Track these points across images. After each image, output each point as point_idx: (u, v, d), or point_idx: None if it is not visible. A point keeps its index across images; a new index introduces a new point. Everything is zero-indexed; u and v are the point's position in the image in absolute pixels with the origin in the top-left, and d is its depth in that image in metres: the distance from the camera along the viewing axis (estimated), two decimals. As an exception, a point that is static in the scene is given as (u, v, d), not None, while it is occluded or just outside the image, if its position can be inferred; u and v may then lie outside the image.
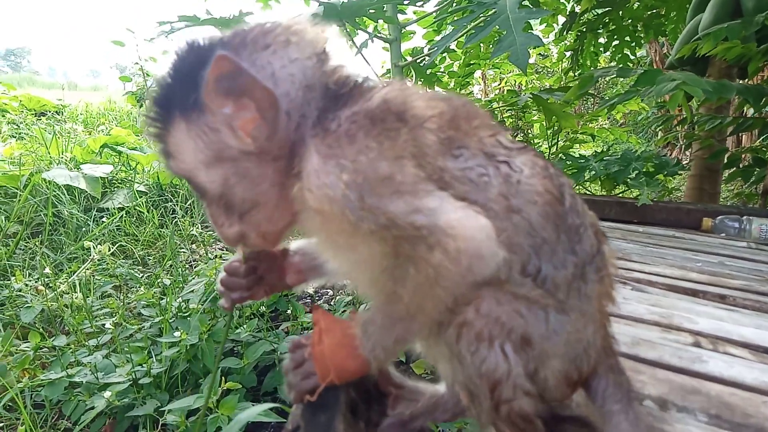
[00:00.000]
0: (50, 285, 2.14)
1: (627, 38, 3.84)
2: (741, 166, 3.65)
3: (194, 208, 3.43)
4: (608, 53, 4.09)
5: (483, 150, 0.63)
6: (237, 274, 0.79)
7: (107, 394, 1.47)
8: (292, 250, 0.81)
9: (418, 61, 3.18)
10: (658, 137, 6.43)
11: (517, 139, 3.48)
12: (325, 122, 0.60)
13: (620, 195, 3.69)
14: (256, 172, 0.64)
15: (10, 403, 1.55)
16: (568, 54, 4.37)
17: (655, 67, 5.70)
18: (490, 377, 0.58)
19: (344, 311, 2.05)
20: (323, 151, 0.58)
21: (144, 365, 1.62)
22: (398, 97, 0.62)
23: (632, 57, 4.12)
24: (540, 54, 6.53)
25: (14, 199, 3.03)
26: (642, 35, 3.92)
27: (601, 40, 4.04)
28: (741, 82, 3.70)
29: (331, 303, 2.31)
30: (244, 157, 0.62)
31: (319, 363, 0.65)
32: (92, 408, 1.46)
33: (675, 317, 1.25)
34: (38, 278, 2.24)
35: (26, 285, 2.11)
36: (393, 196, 0.56)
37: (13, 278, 2.14)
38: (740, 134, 4.95)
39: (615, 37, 3.87)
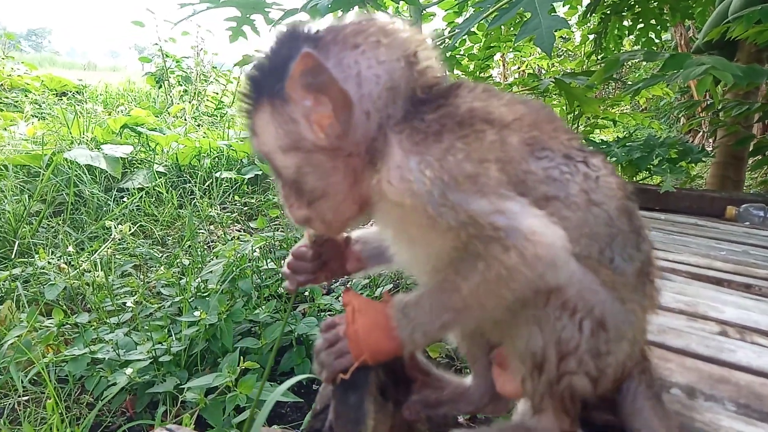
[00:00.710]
0: (72, 263, 2.18)
1: (652, 21, 3.73)
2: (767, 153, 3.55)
3: (212, 189, 3.45)
4: (633, 36, 3.98)
5: (563, 151, 0.66)
6: (304, 259, 0.82)
7: (128, 370, 1.50)
8: (354, 239, 0.84)
9: (440, 43, 3.14)
10: (681, 123, 6.29)
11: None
12: (411, 121, 0.62)
13: (642, 182, 3.63)
14: (329, 165, 0.65)
15: (34, 378, 1.59)
16: (591, 37, 4.27)
17: (680, 50, 5.55)
18: (564, 346, 0.61)
19: (361, 293, 2.06)
20: (407, 147, 0.60)
21: (164, 343, 1.65)
22: (484, 100, 0.64)
23: (657, 41, 4.01)
24: (562, 37, 6.40)
25: (37, 179, 3.08)
26: (668, 18, 3.81)
27: (626, 23, 3.93)
28: (772, 66, 3.59)
29: (347, 285, 2.31)
30: (319, 150, 0.64)
31: (354, 342, 0.65)
32: (114, 384, 1.49)
33: (700, 306, 1.23)
34: (61, 256, 2.28)
35: (49, 263, 2.15)
36: (476, 194, 0.57)
37: (36, 256, 2.18)
38: (765, 121, 4.82)
39: (640, 20, 3.76)
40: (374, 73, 0.63)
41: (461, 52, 4.03)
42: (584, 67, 4.29)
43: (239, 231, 3.00)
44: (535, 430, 0.67)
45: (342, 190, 0.66)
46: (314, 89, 0.60)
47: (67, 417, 1.49)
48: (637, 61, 2.96)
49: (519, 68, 6.41)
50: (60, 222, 2.80)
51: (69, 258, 2.23)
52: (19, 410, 1.54)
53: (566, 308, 0.60)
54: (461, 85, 0.67)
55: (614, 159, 3.14)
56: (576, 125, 4.14)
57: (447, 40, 3.13)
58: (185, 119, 5.17)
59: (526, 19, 1.92)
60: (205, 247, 2.75)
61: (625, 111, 6.23)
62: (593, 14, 3.93)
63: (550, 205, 0.61)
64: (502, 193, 0.58)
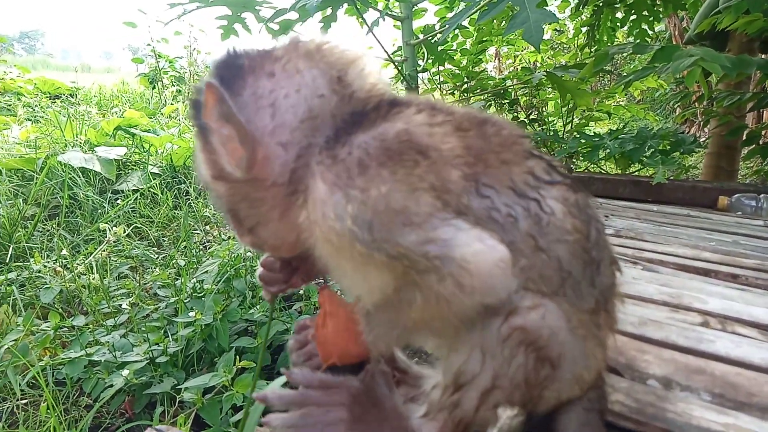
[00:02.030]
0: (68, 266, 2.19)
1: (645, 13, 3.73)
2: (761, 143, 3.56)
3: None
4: (626, 28, 3.98)
5: (512, 188, 0.61)
6: (273, 269, 0.80)
7: (125, 372, 1.52)
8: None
9: (430, 38, 3.14)
10: (676, 114, 6.30)
11: (530, 117, 3.45)
12: (335, 148, 0.58)
13: (635, 174, 3.65)
14: (255, 195, 0.63)
15: (32, 381, 1.61)
16: (584, 30, 4.27)
17: (674, 42, 5.56)
18: (503, 380, 0.58)
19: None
20: (330, 180, 0.56)
21: (160, 344, 1.66)
22: (423, 126, 0.59)
23: (651, 32, 4.01)
24: (555, 30, 6.39)
25: (31, 182, 3.09)
26: (661, 9, 3.81)
27: (619, 15, 3.93)
28: (763, 56, 3.59)
29: (324, 284, 2.32)
30: (240, 181, 0.62)
31: (322, 346, 0.66)
32: (111, 385, 1.51)
33: (684, 297, 1.25)
34: (56, 259, 2.29)
35: (45, 266, 2.16)
36: (405, 228, 0.54)
37: (32, 260, 2.19)
38: (761, 110, 4.83)
39: (633, 11, 3.76)
40: (290, 104, 0.60)
41: (453, 47, 4.03)
42: (578, 59, 4.29)
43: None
44: (418, 430, 0.65)
45: (273, 219, 0.64)
46: (225, 120, 0.58)
47: (65, 419, 1.51)
48: (629, 53, 2.96)
49: (513, 62, 6.39)
50: (55, 225, 2.81)
51: (64, 261, 2.24)
52: (18, 413, 1.56)
53: (525, 346, 0.57)
54: (402, 104, 0.63)
55: (607, 151, 3.15)
56: (570, 118, 4.15)
57: (438, 35, 3.13)
58: (179, 120, 5.17)
59: (515, 12, 1.92)
60: (201, 247, 2.76)
61: (620, 103, 6.23)
62: (586, 6, 3.93)
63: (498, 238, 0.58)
64: (435, 219, 0.54)
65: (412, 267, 0.54)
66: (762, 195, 2.55)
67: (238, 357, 1.56)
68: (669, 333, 1.03)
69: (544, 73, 3.28)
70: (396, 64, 3.02)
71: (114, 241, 2.50)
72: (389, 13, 2.95)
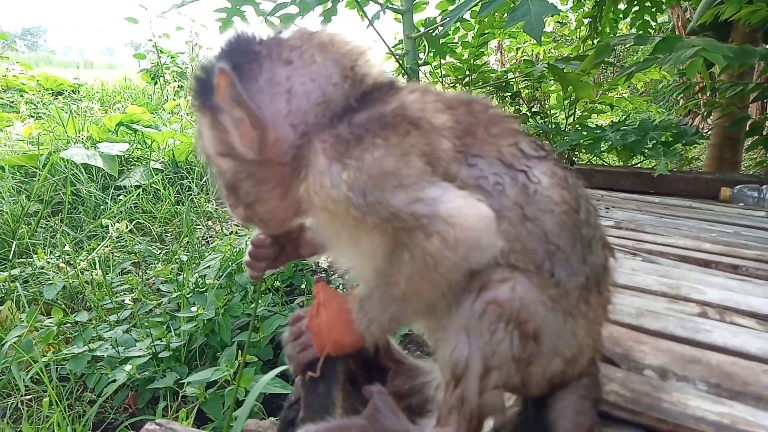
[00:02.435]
0: (71, 262, 2.21)
1: (647, 3, 3.71)
2: (764, 133, 3.54)
3: (209, 185, 3.47)
4: (628, 20, 3.96)
5: (500, 159, 0.63)
6: (264, 246, 0.82)
7: (128, 367, 1.53)
8: (307, 226, 0.83)
9: (431, 31, 3.13)
10: (679, 105, 6.26)
11: (533, 109, 3.43)
12: (337, 128, 0.61)
13: (637, 165, 3.63)
14: (260, 174, 0.66)
15: (36, 376, 1.62)
16: (586, 21, 4.24)
17: (677, 33, 5.51)
18: (494, 359, 0.59)
19: (358, 285, 2.07)
20: (329, 153, 0.59)
21: (163, 339, 1.67)
22: (416, 103, 0.63)
23: (653, 23, 3.98)
24: (558, 22, 6.35)
25: (34, 179, 3.10)
26: (663, 0, 3.79)
27: (621, 6, 3.91)
28: (766, 46, 3.56)
29: (345, 277, 2.33)
30: (248, 160, 0.65)
31: (316, 336, 0.66)
32: (114, 381, 1.52)
33: (683, 288, 1.25)
34: (59, 256, 2.30)
35: (48, 262, 2.18)
36: (395, 189, 0.57)
37: (35, 256, 2.20)
38: (764, 101, 4.79)
39: (635, 2, 3.74)
40: (305, 90, 0.63)
41: (455, 40, 4.01)
42: (580, 51, 4.27)
43: (237, 226, 3.02)
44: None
45: (275, 196, 0.67)
46: (238, 103, 0.61)
47: (69, 414, 1.52)
48: (631, 45, 2.94)
49: (516, 55, 6.36)
50: (58, 221, 2.83)
51: (67, 257, 2.25)
52: (22, 409, 1.57)
53: (503, 320, 0.58)
54: (401, 88, 0.67)
55: (608, 143, 3.14)
56: (572, 110, 4.13)
57: (439, 28, 3.12)
58: (181, 115, 5.17)
59: (516, 5, 1.92)
60: (203, 242, 2.77)
61: (623, 95, 6.20)
62: (588, -2, 3.91)
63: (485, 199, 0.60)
64: (423, 180, 0.58)
65: (402, 227, 0.57)
66: (764, 186, 2.54)
67: (240, 351, 1.57)
68: (666, 323, 1.03)
69: (546, 66, 3.26)
70: (397, 57, 3.01)
71: (117, 237, 2.51)
72: (390, 6, 2.94)
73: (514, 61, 6.33)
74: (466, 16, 3.58)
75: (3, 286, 2.09)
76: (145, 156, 3.72)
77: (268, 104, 0.62)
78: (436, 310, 0.62)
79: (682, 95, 5.04)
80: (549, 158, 0.66)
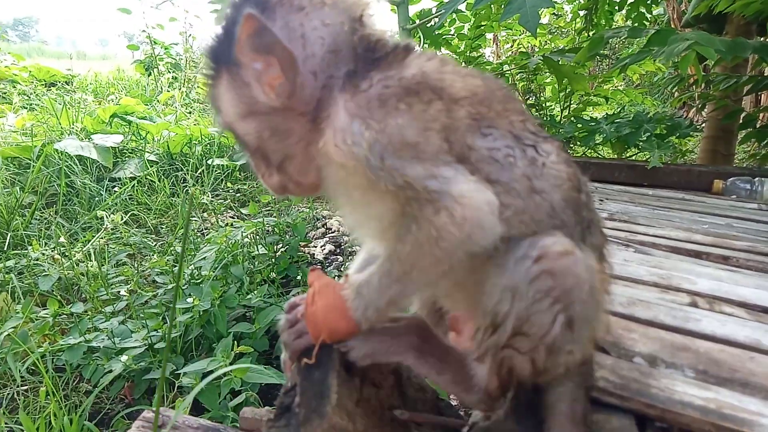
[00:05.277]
0: (66, 254, 2.20)
1: (642, -5, 3.71)
2: (758, 126, 3.56)
3: (204, 176, 3.46)
4: (624, 12, 3.96)
5: (512, 132, 0.66)
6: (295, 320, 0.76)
7: (124, 358, 1.54)
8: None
9: (427, 23, 3.12)
10: (674, 98, 6.27)
11: (528, 101, 3.44)
12: (356, 82, 0.63)
13: (631, 158, 3.65)
14: (285, 126, 0.67)
15: (32, 367, 1.63)
16: (582, 13, 4.23)
17: (672, 25, 5.51)
18: (522, 324, 0.61)
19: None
20: (351, 110, 0.61)
21: (159, 330, 1.68)
22: (436, 71, 0.65)
23: (649, 15, 3.98)
24: (554, 14, 6.33)
25: (28, 170, 3.09)
26: (658, -8, 3.79)
27: (616, -1, 3.91)
28: (761, 39, 3.57)
29: (341, 269, 2.34)
30: (273, 112, 0.66)
31: (311, 323, 0.68)
32: (110, 371, 1.53)
33: (674, 278, 1.27)
34: (54, 247, 2.30)
35: (43, 254, 2.18)
36: (413, 161, 0.59)
37: (30, 248, 2.20)
38: (758, 94, 4.81)
39: (630, -6, 3.74)
40: (319, 35, 0.65)
41: (451, 32, 4.00)
42: (575, 43, 4.27)
43: (232, 217, 3.02)
44: (473, 375, 0.70)
45: (301, 150, 0.69)
46: (262, 51, 0.63)
47: (65, 405, 1.53)
48: (625, 37, 2.95)
49: (511, 47, 6.35)
50: (53, 213, 2.82)
51: (63, 249, 2.25)
52: (18, 399, 1.58)
53: (549, 294, 0.61)
54: (411, 49, 0.69)
55: (603, 135, 3.16)
56: (567, 103, 4.14)
57: (435, 20, 3.11)
58: (175, 107, 5.15)
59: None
60: (199, 234, 2.77)
61: (618, 87, 6.20)
62: (583, -10, 3.90)
63: (491, 188, 0.62)
64: (440, 159, 0.60)
65: (413, 197, 0.60)
66: (757, 178, 2.56)
67: (236, 342, 1.58)
68: (657, 312, 1.04)
69: (541, 58, 3.27)
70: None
71: (112, 229, 2.51)
72: (385, -4, 2.92)
73: (510, 53, 6.32)
74: (462, 7, 3.57)
75: (-2, 277, 2.09)
76: (140, 148, 3.70)
77: (289, 49, 0.64)
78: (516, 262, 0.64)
79: (676, 88, 5.05)
80: (553, 140, 0.70)
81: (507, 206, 0.62)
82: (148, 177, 3.30)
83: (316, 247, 2.65)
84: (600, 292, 0.65)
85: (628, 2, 3.82)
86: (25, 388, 1.62)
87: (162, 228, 2.89)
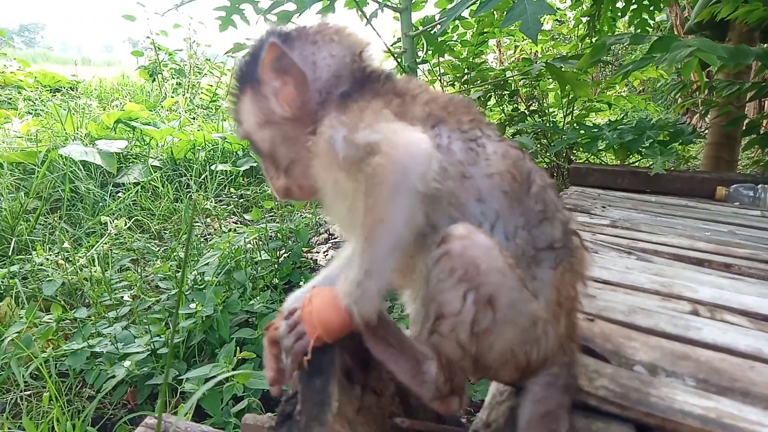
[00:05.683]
0: (70, 259, 2.22)
1: (645, 2, 3.71)
2: (761, 132, 3.55)
3: (208, 182, 3.48)
4: (626, 18, 3.96)
5: (459, 128, 0.75)
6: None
7: (127, 363, 1.54)
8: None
9: (430, 30, 3.14)
10: (677, 104, 6.27)
11: (531, 108, 3.44)
12: (347, 100, 0.77)
13: (634, 164, 3.65)
14: (292, 134, 0.82)
15: (36, 372, 1.63)
16: (584, 20, 4.24)
17: (675, 31, 5.52)
18: (440, 307, 0.66)
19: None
20: (334, 116, 0.75)
21: (162, 336, 1.69)
22: (405, 87, 0.80)
23: (652, 22, 3.99)
24: (556, 20, 6.35)
25: (32, 176, 3.11)
26: (661, -1, 3.79)
27: (619, 4, 3.91)
28: (764, 46, 3.57)
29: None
30: (284, 122, 0.82)
31: (308, 323, 0.70)
32: (113, 377, 1.54)
33: (676, 286, 1.27)
34: (58, 252, 2.32)
35: (47, 259, 2.19)
36: (365, 129, 0.70)
37: (34, 253, 2.21)
38: (761, 100, 4.81)
39: (633, 1, 3.75)
40: (326, 63, 0.82)
41: (454, 38, 4.01)
42: (578, 50, 4.27)
43: (235, 223, 3.03)
44: (426, 371, 0.73)
45: (303, 156, 0.81)
46: (280, 72, 0.79)
47: (68, 410, 1.53)
48: (625, 44, 2.95)
49: (514, 53, 6.36)
50: (56, 218, 2.84)
51: (66, 254, 2.27)
52: (22, 404, 1.58)
53: (452, 274, 0.64)
54: (392, 77, 0.83)
55: (606, 142, 3.15)
56: (570, 109, 4.14)
57: (437, 27, 3.13)
58: (179, 112, 5.18)
59: (512, 4, 1.92)
60: (202, 240, 2.79)
61: (621, 94, 6.21)
62: (586, -4, 3.91)
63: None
64: (381, 121, 0.70)
65: (364, 157, 0.68)
66: (760, 185, 2.56)
67: (238, 348, 1.59)
68: (658, 321, 1.04)
69: (544, 64, 3.27)
70: (395, 55, 3.02)
71: (115, 234, 2.52)
72: (388, 4, 2.94)
73: (513, 59, 6.33)
74: (465, 14, 3.58)
75: (2, 282, 2.10)
76: (144, 153, 3.72)
77: (303, 70, 0.79)
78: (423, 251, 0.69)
79: (679, 94, 5.05)
80: (506, 141, 0.77)
81: (440, 183, 0.68)
82: (151, 182, 3.32)
83: (318, 252, 2.66)
84: (519, 278, 0.67)
85: (630, 9, 3.83)
86: (29, 393, 1.63)
87: (165, 233, 2.90)
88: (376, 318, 0.69)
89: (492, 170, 0.72)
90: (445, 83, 4.30)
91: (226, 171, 3.59)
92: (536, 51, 5.94)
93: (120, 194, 3.10)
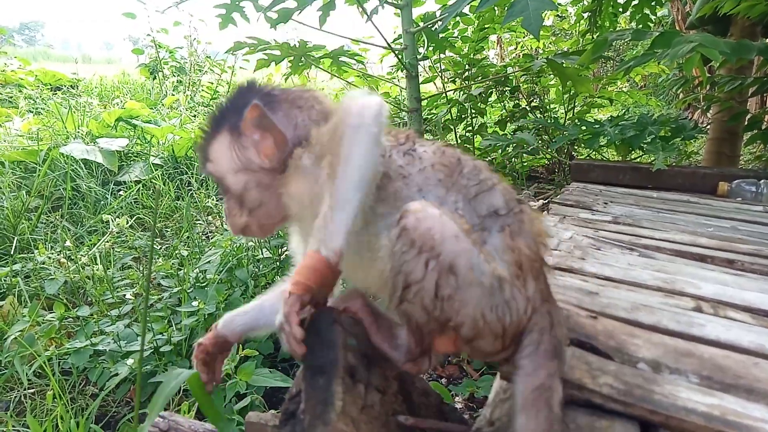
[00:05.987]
0: (72, 257, 2.22)
1: (647, -3, 3.70)
2: (763, 128, 3.54)
3: (209, 180, 3.48)
4: (628, 13, 3.95)
5: (398, 143, 0.87)
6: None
7: (130, 361, 1.55)
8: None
9: (431, 26, 3.13)
10: (679, 99, 6.25)
11: (532, 104, 3.45)
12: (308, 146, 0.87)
13: (636, 160, 3.64)
14: (266, 181, 0.90)
15: (39, 370, 1.64)
16: (586, 15, 4.23)
17: (677, 26, 5.50)
18: (405, 277, 0.72)
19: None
20: (301, 155, 0.86)
21: (164, 334, 1.69)
22: None
23: (653, 17, 3.97)
24: (558, 16, 6.32)
25: (34, 174, 3.11)
26: (663, -7, 3.78)
27: (620, 0, 3.90)
28: (766, 41, 3.56)
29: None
30: (261, 171, 0.90)
31: (299, 287, 0.73)
32: (116, 374, 1.54)
33: (678, 282, 1.26)
34: (60, 251, 2.32)
35: (49, 258, 2.19)
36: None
37: (36, 251, 2.22)
38: (763, 95, 4.79)
39: (634, -4, 3.73)
40: (305, 124, 0.91)
41: (455, 35, 4.00)
42: (579, 46, 4.26)
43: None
44: (398, 336, 0.81)
45: (274, 198, 0.90)
46: (261, 128, 0.88)
47: (72, 408, 1.54)
48: (627, 40, 2.94)
49: (515, 49, 6.34)
50: (58, 217, 2.84)
51: (68, 252, 2.27)
52: (25, 402, 1.59)
53: (413, 246, 0.71)
54: None
55: (607, 138, 3.15)
56: (572, 105, 4.13)
57: (438, 23, 3.12)
58: (180, 110, 5.17)
59: (514, 0, 1.91)
60: (203, 237, 2.79)
61: (622, 89, 6.18)
62: (587, -8, 3.89)
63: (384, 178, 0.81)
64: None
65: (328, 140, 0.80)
66: (762, 180, 2.55)
67: (241, 345, 1.59)
68: (661, 318, 1.04)
69: (545, 60, 3.26)
70: (396, 52, 3.01)
71: (117, 232, 2.52)
72: (389, 0, 2.93)
73: (514, 55, 6.31)
74: (466, 10, 3.57)
75: (5, 281, 2.10)
76: (145, 151, 3.72)
77: (283, 131, 0.89)
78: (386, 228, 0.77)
79: (681, 89, 5.04)
80: (437, 144, 0.88)
81: (385, 186, 0.81)
82: (153, 180, 3.32)
83: (320, 250, 2.65)
84: (474, 242, 0.74)
85: (632, 4, 3.81)
86: (32, 391, 1.64)
87: (167, 231, 2.90)
88: (341, 252, 0.75)
89: (425, 165, 0.83)
90: (446, 80, 4.29)
91: (227, 168, 3.58)
92: (537, 47, 5.92)
93: (121, 192, 3.10)
